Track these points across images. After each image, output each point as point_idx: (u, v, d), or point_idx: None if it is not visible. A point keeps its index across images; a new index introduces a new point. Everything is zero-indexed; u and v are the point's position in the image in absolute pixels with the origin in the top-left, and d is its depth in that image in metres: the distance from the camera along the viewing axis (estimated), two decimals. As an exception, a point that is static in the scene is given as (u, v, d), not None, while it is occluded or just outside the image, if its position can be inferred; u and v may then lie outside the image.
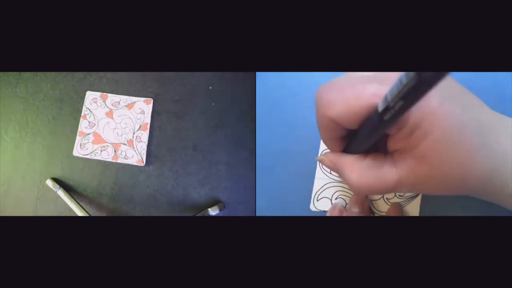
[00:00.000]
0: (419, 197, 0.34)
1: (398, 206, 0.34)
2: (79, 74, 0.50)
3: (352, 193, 0.35)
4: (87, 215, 0.44)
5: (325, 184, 0.36)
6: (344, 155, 0.28)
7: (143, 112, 0.49)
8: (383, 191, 0.25)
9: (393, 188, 0.25)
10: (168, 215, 0.47)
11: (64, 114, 0.49)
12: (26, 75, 0.50)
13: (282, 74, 0.37)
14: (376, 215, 0.35)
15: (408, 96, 0.19)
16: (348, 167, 0.27)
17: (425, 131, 0.22)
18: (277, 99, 0.37)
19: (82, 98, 0.49)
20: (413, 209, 0.34)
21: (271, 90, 0.37)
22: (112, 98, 0.49)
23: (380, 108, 0.21)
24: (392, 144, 0.25)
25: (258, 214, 0.36)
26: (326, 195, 0.35)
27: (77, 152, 0.48)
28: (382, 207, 0.35)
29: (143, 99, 0.49)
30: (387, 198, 0.35)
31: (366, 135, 0.24)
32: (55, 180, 0.47)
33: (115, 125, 0.48)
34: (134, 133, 0.48)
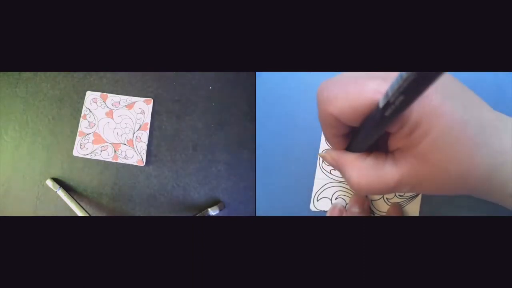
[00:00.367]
0: (419, 197, 0.34)
1: (398, 206, 0.34)
2: (79, 74, 0.50)
3: (352, 193, 0.35)
4: (87, 215, 0.44)
5: (325, 184, 0.36)
6: (346, 153, 0.28)
7: (143, 112, 0.49)
8: (383, 190, 0.25)
9: (394, 188, 0.25)
10: (168, 215, 0.47)
11: (64, 114, 0.49)
12: (26, 75, 0.50)
13: (282, 74, 0.37)
14: (376, 215, 0.35)
15: (409, 91, 0.19)
16: (349, 165, 0.27)
17: (426, 130, 0.22)
18: (277, 99, 0.37)
19: (82, 98, 0.49)
20: (413, 209, 0.34)
21: (271, 90, 0.37)
22: (112, 98, 0.49)
23: (381, 104, 0.21)
24: (393, 143, 0.25)
25: (258, 214, 0.36)
26: (326, 195, 0.35)
27: (77, 152, 0.48)
28: (382, 207, 0.35)
29: (143, 99, 0.49)
30: (387, 198, 0.35)
31: (368, 133, 0.24)
32: (55, 180, 0.47)
33: (115, 125, 0.48)
34: (134, 133, 0.48)
